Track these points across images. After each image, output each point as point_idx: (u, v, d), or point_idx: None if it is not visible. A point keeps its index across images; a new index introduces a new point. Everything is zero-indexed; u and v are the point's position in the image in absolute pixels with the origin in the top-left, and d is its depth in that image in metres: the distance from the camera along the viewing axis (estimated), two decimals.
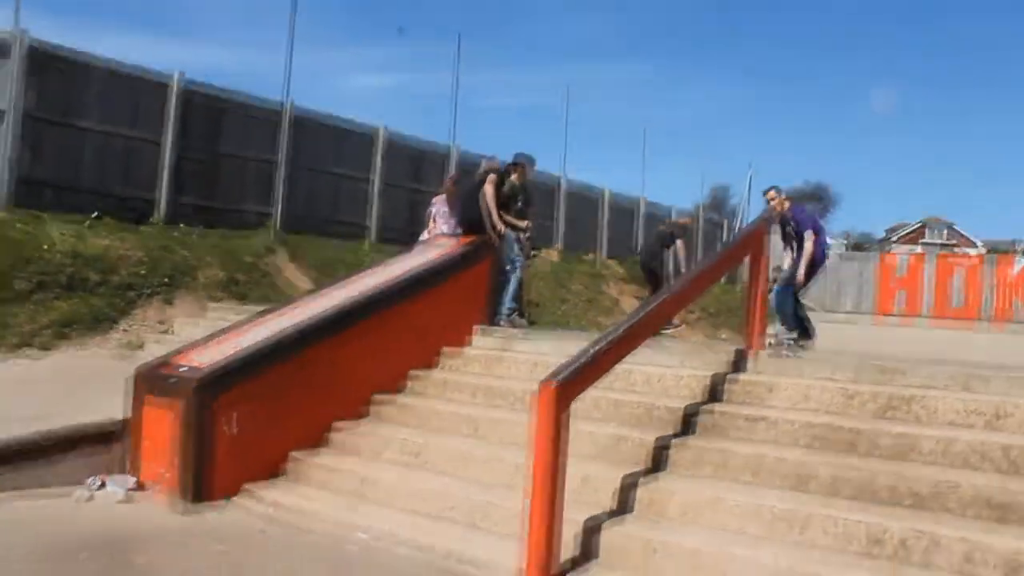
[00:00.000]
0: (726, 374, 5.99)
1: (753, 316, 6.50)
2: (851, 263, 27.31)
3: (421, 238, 10.43)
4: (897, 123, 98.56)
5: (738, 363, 6.17)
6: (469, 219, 9.09)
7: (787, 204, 8.86)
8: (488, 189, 8.97)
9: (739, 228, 28.05)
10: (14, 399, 7.08)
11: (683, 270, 7.81)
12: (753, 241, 6.60)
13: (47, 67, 11.79)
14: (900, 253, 35.96)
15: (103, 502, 5.67)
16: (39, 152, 11.71)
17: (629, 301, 18.99)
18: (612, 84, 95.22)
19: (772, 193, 8.94)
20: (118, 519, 5.30)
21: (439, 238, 8.92)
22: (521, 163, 10.18)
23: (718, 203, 54.08)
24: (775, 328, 8.67)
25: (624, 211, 22.84)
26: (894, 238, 66.48)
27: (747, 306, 6.65)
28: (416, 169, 17.02)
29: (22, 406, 6.77)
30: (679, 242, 13.79)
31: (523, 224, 9.68)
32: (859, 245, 57.22)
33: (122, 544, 4.83)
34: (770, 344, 8.41)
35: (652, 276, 14.18)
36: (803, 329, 8.72)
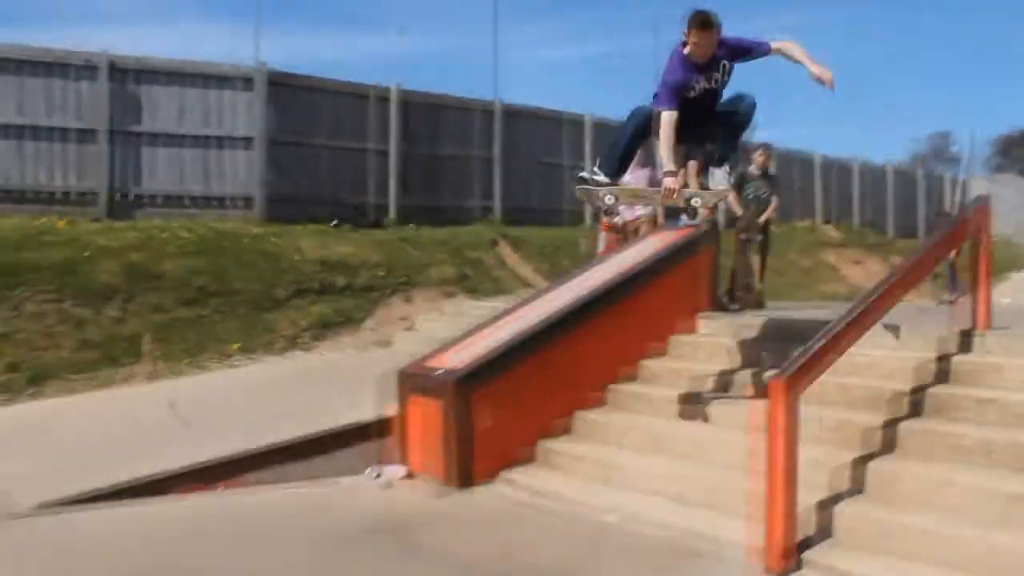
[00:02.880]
0: (951, 355, 6.12)
1: (978, 294, 6.55)
2: None
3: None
4: None
5: (963, 343, 6.27)
6: None
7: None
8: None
9: (961, 181, 26.86)
10: (290, 397, 8.13)
11: None
12: (977, 218, 6.62)
13: (284, 94, 13.09)
14: None
15: (380, 490, 6.52)
16: (282, 170, 13.05)
17: (849, 267, 18.74)
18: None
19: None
20: (397, 505, 6.10)
21: (661, 232, 9.32)
22: (765, 148, 10.50)
23: (938, 152, 50.99)
24: None
25: (839, 173, 22.35)
26: None
27: (971, 285, 6.71)
28: None
29: (297, 403, 7.79)
30: None
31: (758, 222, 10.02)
32: None
33: (406, 526, 5.60)
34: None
35: None
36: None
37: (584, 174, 6.20)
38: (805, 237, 19.38)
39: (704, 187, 6.56)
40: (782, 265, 16.65)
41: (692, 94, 5.97)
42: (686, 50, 5.86)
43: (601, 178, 6.10)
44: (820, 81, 5.85)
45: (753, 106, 6.22)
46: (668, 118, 5.86)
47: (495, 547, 5.19)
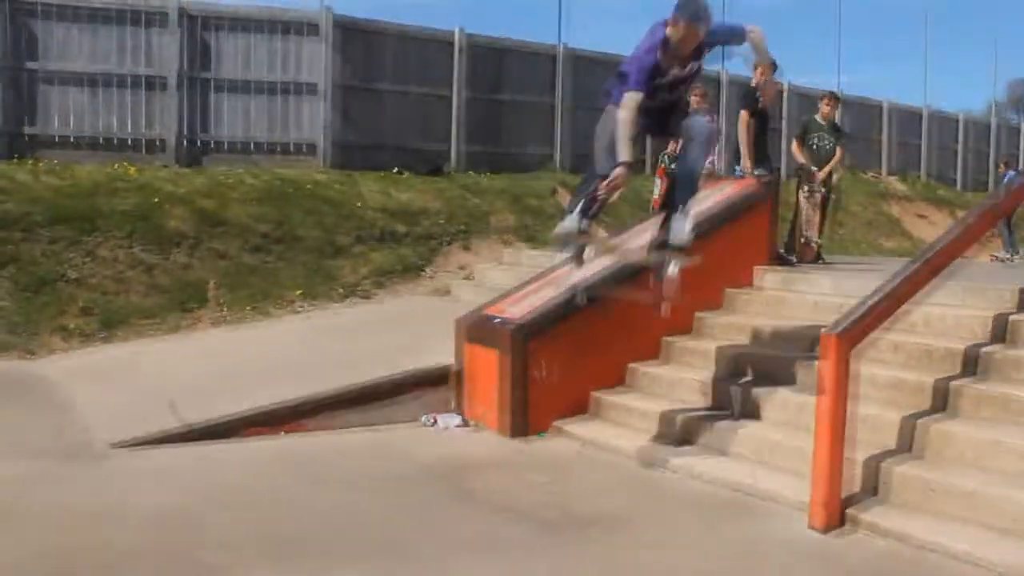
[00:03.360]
0: (1009, 314, 6.08)
1: None
2: None
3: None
4: None
5: (1022, 302, 6.23)
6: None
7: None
8: (742, 121, 9.27)
9: None
10: (350, 344, 8.35)
11: None
12: None
13: (349, 39, 13.21)
14: None
15: (436, 437, 6.74)
16: (347, 117, 13.20)
17: (912, 220, 18.44)
18: None
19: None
20: (451, 452, 6.30)
21: (719, 180, 9.30)
22: (832, 97, 10.35)
23: (1017, 100, 49.08)
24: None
25: (906, 122, 21.82)
26: None
27: None
28: None
29: (356, 350, 8.01)
30: None
31: (818, 174, 9.90)
32: None
33: (460, 473, 5.80)
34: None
35: None
36: None
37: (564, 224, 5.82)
38: (869, 189, 19.05)
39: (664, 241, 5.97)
40: (843, 217, 16.42)
41: (661, 80, 5.45)
42: (668, 31, 5.33)
43: (579, 226, 5.76)
44: (758, 89, 5.78)
45: (702, 149, 5.93)
46: (632, 100, 5.29)
47: (545, 495, 5.36)
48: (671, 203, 6.06)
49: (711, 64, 6.01)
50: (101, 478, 5.47)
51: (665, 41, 5.36)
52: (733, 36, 5.74)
